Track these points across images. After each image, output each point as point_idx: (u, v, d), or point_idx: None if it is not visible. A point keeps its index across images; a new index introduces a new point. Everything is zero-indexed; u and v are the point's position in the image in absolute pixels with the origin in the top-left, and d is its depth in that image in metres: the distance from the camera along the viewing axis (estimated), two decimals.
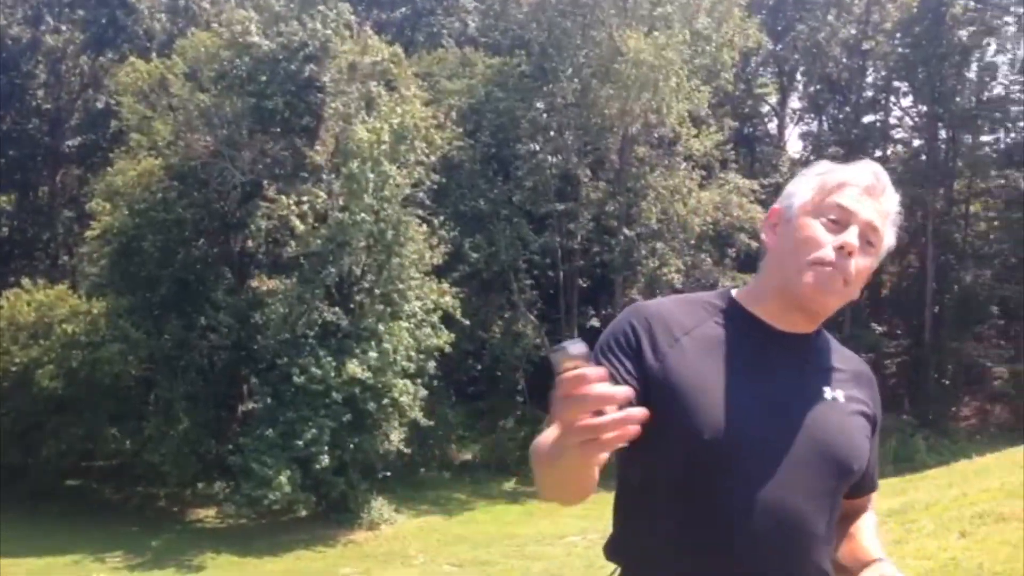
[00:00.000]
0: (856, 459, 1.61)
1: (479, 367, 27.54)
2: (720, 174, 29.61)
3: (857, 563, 1.67)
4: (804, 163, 36.72)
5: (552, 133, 28.34)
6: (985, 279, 32.35)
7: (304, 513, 20.46)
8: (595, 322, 30.74)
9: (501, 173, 27.61)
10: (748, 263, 31.66)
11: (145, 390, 22.89)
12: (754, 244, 30.47)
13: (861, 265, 1.59)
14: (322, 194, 21.62)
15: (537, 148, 27.86)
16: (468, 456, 26.20)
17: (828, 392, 1.63)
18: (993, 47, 33.58)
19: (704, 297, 1.68)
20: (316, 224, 21.33)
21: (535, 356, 27.37)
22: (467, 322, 23.52)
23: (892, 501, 10.89)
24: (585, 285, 30.48)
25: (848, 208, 1.59)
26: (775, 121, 38.09)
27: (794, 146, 38.43)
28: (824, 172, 1.65)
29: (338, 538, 19.40)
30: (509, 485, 24.20)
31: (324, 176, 22.23)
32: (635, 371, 1.54)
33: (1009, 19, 33.16)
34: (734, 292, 1.69)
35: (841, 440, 1.60)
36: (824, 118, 37.39)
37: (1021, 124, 34.50)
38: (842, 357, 1.70)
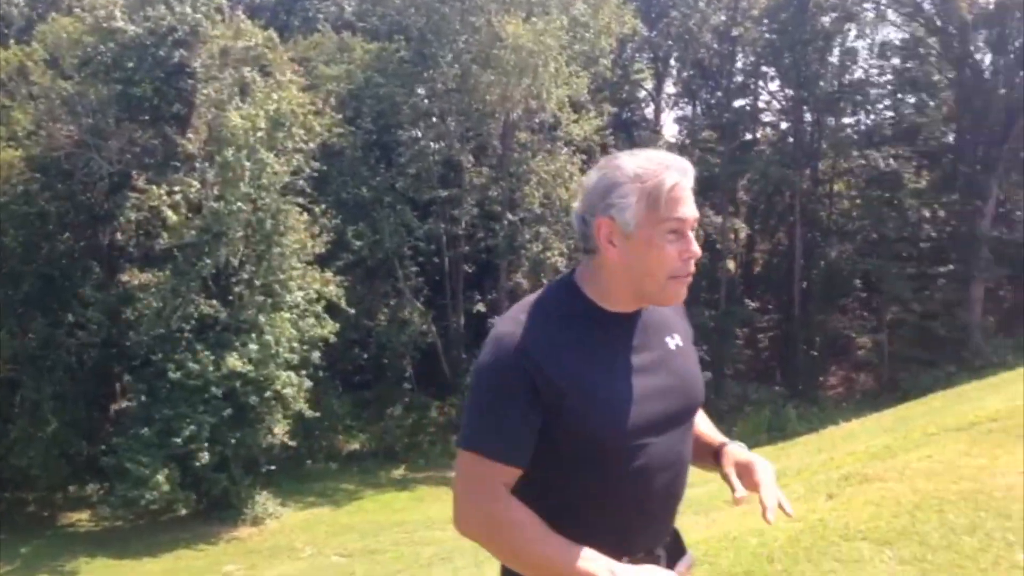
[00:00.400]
0: (702, 390, 1.92)
1: (365, 356, 27.26)
2: (600, 158, 29.98)
3: (705, 447, 1.98)
4: (680, 147, 37.96)
5: (434, 119, 28.18)
6: (848, 254, 34.06)
7: (184, 512, 19.87)
8: (481, 307, 30.90)
9: (383, 160, 27.31)
10: None
11: (10, 391, 21.72)
12: None
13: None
14: (195, 183, 20.92)
15: (419, 134, 27.65)
16: (355, 446, 25.94)
17: (671, 342, 1.87)
18: (854, 32, 35.30)
19: (561, 306, 1.78)
20: (190, 215, 20.62)
21: (422, 343, 27.29)
22: (352, 311, 23.23)
23: None
24: (470, 270, 30.55)
25: (685, 218, 1.75)
26: (651, 106, 39.03)
27: (670, 130, 39.50)
28: (643, 180, 1.73)
29: (221, 535, 18.92)
30: (398, 473, 24.11)
31: (197, 165, 21.49)
32: (535, 410, 1.69)
33: (868, 5, 34.87)
34: (579, 283, 1.81)
35: (694, 382, 1.89)
36: (697, 103, 38.47)
37: (880, 106, 36.43)
38: None
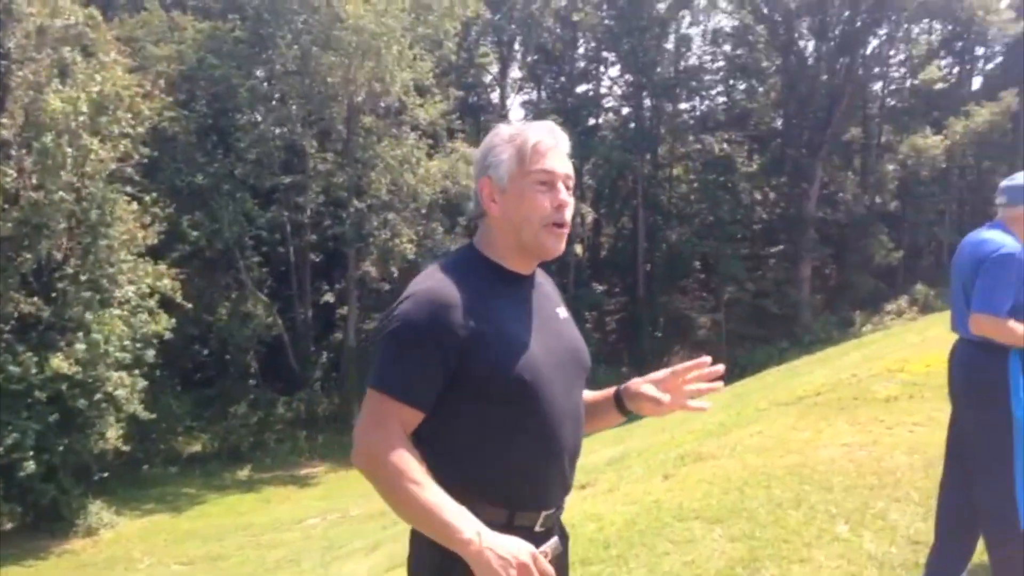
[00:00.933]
0: (589, 358, 2.11)
1: (206, 352, 26.12)
2: (448, 143, 29.94)
3: (602, 400, 2.21)
4: None
5: (274, 102, 27.27)
6: (688, 237, 35.38)
7: (9, 526, 18.43)
8: (329, 297, 30.23)
9: (221, 145, 26.14)
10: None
11: None
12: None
13: (571, 208, 2.00)
14: (11, 172, 19.33)
15: (259, 118, 26.67)
16: (197, 447, 24.78)
17: (560, 312, 2.08)
18: (688, 19, 36.54)
19: (468, 265, 1.96)
20: (6, 206, 19.06)
21: (267, 337, 26.40)
22: (190, 305, 22.13)
23: (612, 450, 11.59)
24: (317, 260, 29.81)
25: (552, 170, 1.95)
26: (497, 91, 39.15)
27: (516, 115, 39.75)
28: (513, 139, 1.96)
29: (51, 549, 17.66)
30: (243, 473, 23.24)
31: (13, 152, 19.85)
32: (445, 358, 1.84)
33: None
34: (479, 246, 2.01)
35: (581, 346, 2.09)
36: (542, 88, 38.91)
37: (713, 92, 37.91)
38: (546, 278, 2.13)
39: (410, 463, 1.79)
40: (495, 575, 1.70)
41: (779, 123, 37.48)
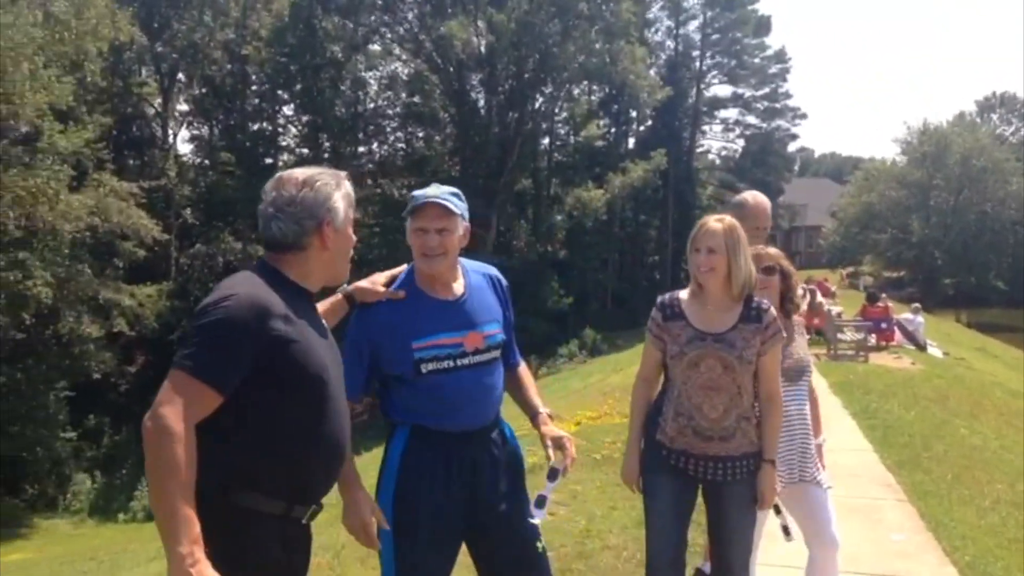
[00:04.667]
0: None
1: None
2: (95, 175, 26.83)
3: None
4: (197, 167, 35.63)
5: None
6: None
7: None
8: None
9: None
10: (138, 272, 29.26)
11: None
12: (141, 252, 28.26)
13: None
14: None
15: None
16: None
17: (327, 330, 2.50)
18: (363, 63, 36.20)
19: (272, 279, 2.26)
20: None
21: None
22: None
23: None
24: None
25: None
26: (161, 124, 36.15)
27: (184, 150, 37.04)
28: (340, 187, 2.47)
29: None
30: None
31: None
32: (251, 352, 2.11)
33: (376, 37, 36.04)
34: (282, 269, 2.33)
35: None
36: (215, 124, 36.60)
37: (392, 137, 37.87)
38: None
39: (188, 460, 1.97)
40: None
41: (456, 171, 38.16)
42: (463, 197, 2.98)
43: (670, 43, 47.75)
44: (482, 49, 34.43)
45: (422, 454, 2.78)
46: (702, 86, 48.82)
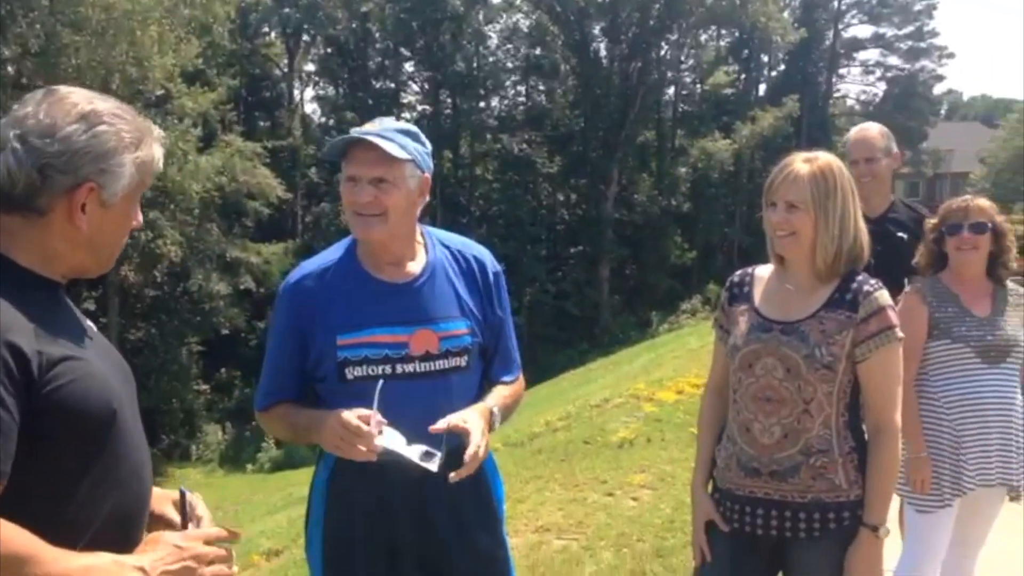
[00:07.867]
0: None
1: None
2: (223, 137, 27.59)
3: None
4: (322, 127, 36.22)
5: (11, 89, 24.01)
6: (487, 237, 34.48)
7: None
8: (90, 305, 27.17)
9: None
10: (265, 230, 30.12)
11: None
12: (267, 211, 29.05)
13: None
14: None
15: None
16: None
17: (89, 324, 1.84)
18: (483, 16, 35.69)
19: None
20: None
21: None
22: None
23: None
24: None
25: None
26: (286, 85, 36.88)
27: (310, 109, 37.70)
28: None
29: None
30: None
31: None
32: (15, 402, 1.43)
33: None
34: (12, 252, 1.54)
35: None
36: (339, 83, 37.04)
37: (511, 92, 37.34)
38: None
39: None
40: None
41: (577, 125, 37.37)
42: (422, 137, 2.23)
43: None
44: None
45: (354, 481, 2.13)
46: (840, 27, 45.83)
